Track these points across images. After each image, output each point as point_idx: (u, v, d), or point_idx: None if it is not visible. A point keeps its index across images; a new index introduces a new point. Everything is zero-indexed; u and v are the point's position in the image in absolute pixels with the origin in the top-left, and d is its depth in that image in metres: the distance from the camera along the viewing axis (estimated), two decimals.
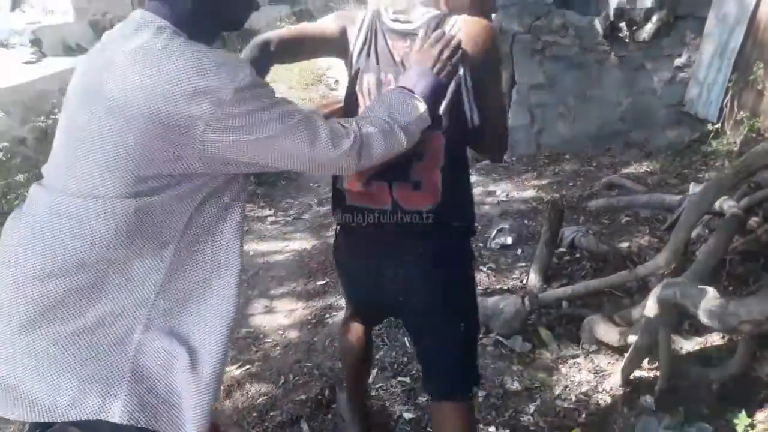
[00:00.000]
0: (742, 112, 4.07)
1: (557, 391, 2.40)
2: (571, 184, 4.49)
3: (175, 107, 0.96)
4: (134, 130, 0.97)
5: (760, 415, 2.15)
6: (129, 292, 1.03)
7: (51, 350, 1.01)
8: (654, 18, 4.64)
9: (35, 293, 1.01)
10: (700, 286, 2.08)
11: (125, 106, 0.97)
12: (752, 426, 2.10)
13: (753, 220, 2.95)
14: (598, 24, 4.82)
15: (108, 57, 1.03)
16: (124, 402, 1.01)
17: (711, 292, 1.99)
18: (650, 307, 2.27)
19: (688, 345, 2.55)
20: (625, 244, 3.32)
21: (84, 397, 1.00)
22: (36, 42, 9.77)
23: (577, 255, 3.33)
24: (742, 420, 2.10)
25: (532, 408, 2.31)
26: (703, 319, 1.92)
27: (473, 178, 5.10)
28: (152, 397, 1.03)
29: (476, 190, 4.78)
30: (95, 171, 1.00)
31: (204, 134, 0.99)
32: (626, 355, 2.40)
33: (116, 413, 1.00)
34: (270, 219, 4.62)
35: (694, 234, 3.12)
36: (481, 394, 2.41)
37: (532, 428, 2.22)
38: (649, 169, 4.43)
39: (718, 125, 4.30)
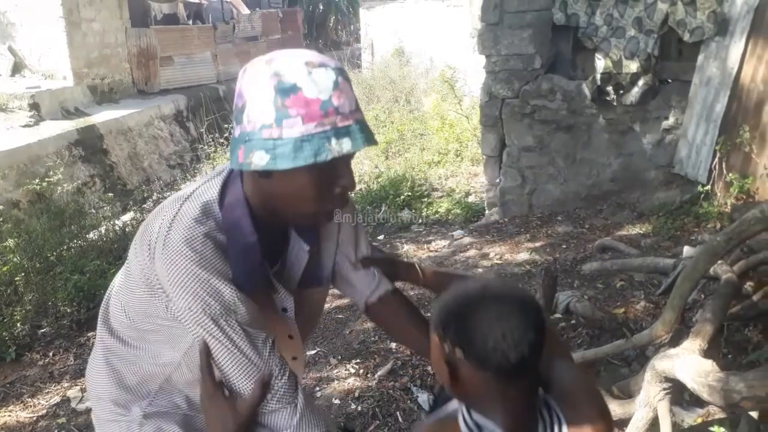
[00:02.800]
0: (731, 174, 4.10)
1: None
2: (564, 246, 4.47)
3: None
4: None
5: None
6: None
7: None
8: (640, 82, 4.74)
9: None
10: (697, 358, 2.03)
11: None
12: None
13: (748, 285, 2.92)
14: (585, 88, 4.92)
15: None
16: None
17: (709, 365, 1.94)
18: (648, 380, 2.21)
19: (689, 418, 2.47)
20: (620, 310, 3.27)
21: None
22: (34, 106, 9.92)
23: (573, 321, 3.27)
24: None
25: None
26: (703, 394, 1.86)
27: (467, 240, 5.09)
28: None
29: (470, 252, 4.76)
30: None
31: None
32: (626, 429, 2.32)
33: None
34: None
35: (689, 299, 3.08)
36: None
37: None
38: (641, 231, 4.43)
39: (708, 187, 4.33)
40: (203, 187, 1.06)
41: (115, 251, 4.95)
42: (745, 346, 2.72)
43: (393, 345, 3.37)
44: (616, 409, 2.44)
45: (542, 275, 2.99)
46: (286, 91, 0.90)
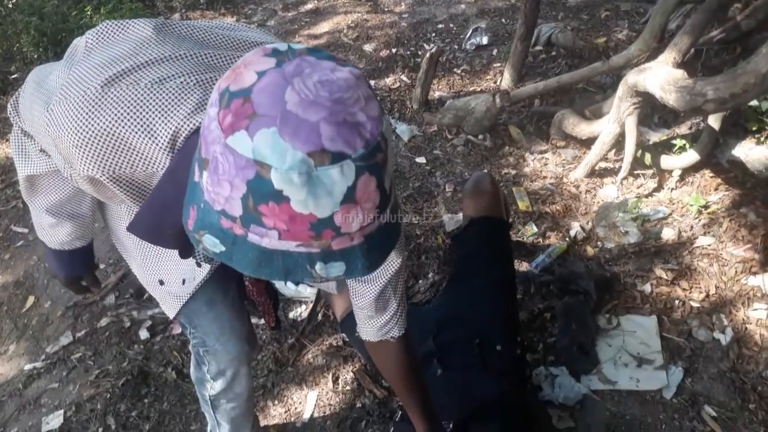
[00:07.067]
0: None
1: (523, 183, 2.46)
2: None
3: None
4: None
5: (713, 197, 2.24)
6: None
7: None
8: None
9: None
10: (669, 68, 2.04)
11: None
12: (706, 207, 2.19)
13: (735, 7, 2.83)
14: None
15: None
16: None
17: (680, 73, 1.95)
18: (619, 96, 2.24)
19: (655, 137, 2.57)
20: (602, 40, 3.20)
21: None
22: None
23: (553, 53, 3.22)
24: (697, 201, 2.19)
25: None
26: (669, 101, 1.90)
27: None
28: None
29: None
30: None
31: None
32: (593, 147, 2.42)
33: None
34: None
35: (673, 26, 3.00)
36: (449, 189, 2.46)
37: None
38: None
39: None
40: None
41: None
42: (721, 70, 2.72)
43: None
44: (584, 128, 2.53)
45: (524, 1, 2.85)
46: (264, 195, 0.55)
